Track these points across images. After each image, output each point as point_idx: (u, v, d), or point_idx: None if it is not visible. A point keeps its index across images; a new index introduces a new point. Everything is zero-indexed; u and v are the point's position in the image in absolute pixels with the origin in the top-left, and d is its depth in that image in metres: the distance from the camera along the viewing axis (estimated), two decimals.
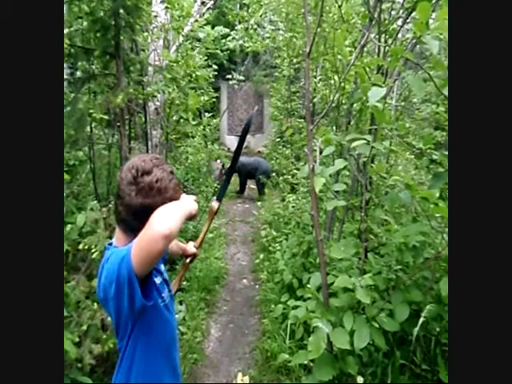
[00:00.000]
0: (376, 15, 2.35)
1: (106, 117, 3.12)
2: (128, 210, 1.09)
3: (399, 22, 2.59)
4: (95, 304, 2.23)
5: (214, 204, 1.51)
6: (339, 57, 2.80)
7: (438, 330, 2.13)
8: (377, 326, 1.98)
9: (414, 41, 2.25)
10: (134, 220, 1.09)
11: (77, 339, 2.07)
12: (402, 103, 3.58)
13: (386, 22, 2.49)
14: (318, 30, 1.99)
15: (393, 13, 2.60)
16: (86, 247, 2.31)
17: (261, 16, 6.57)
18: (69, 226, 2.39)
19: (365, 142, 1.86)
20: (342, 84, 2.16)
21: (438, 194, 1.81)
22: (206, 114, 6.40)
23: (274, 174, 6.82)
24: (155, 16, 3.96)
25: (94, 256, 2.29)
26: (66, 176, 1.52)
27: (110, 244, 1.19)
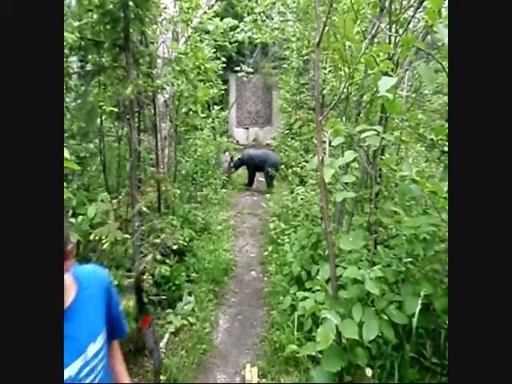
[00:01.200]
0: (387, 4, 2.32)
1: (115, 109, 3.13)
2: None
3: (410, 12, 2.55)
4: None
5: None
6: (348, 43, 2.75)
7: (447, 323, 2.11)
8: (386, 318, 1.98)
9: (426, 30, 2.22)
10: None
11: None
12: (413, 94, 3.53)
13: (397, 11, 2.45)
14: (329, 19, 1.96)
15: (404, 2, 2.56)
16: (97, 238, 2.34)
17: (267, 6, 6.48)
18: (80, 217, 2.43)
19: (375, 133, 1.84)
20: (352, 73, 2.13)
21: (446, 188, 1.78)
22: (215, 106, 6.40)
23: (282, 167, 6.80)
24: (164, 8, 3.94)
25: (104, 246, 2.32)
26: (77, 168, 1.53)
27: None
